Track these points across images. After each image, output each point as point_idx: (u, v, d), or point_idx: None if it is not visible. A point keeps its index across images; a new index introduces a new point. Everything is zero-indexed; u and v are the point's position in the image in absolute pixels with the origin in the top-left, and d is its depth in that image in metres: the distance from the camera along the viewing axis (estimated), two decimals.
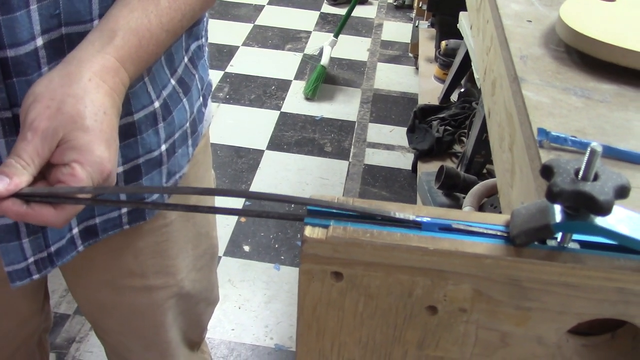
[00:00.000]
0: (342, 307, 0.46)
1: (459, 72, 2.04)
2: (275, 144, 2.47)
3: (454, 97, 2.10)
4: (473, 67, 1.79)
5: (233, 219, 2.07)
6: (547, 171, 0.40)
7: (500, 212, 1.37)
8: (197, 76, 0.75)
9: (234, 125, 2.55)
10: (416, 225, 0.43)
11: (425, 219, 0.43)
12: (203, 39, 0.78)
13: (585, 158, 0.39)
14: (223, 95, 2.73)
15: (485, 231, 0.43)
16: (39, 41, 0.56)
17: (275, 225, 2.08)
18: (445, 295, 0.44)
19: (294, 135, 2.53)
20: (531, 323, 0.44)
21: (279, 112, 2.67)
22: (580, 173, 0.39)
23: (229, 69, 2.93)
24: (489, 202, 1.46)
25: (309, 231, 0.43)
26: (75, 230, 0.68)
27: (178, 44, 0.70)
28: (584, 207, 0.38)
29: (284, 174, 2.31)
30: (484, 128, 1.61)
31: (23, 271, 0.66)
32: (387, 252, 0.42)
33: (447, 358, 0.47)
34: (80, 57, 0.53)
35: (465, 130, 1.87)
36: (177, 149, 0.73)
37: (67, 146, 0.50)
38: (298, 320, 0.47)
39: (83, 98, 0.51)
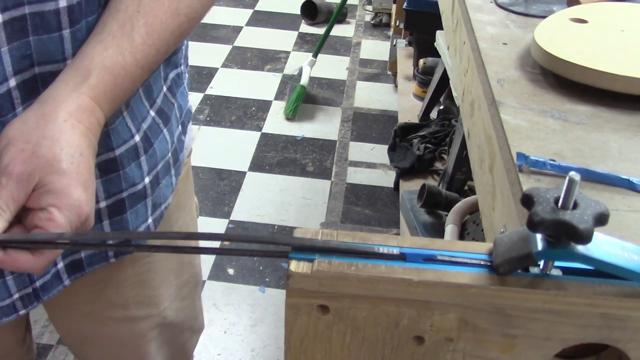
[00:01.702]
0: (329, 340, 0.46)
1: (437, 89, 2.06)
2: (257, 165, 2.47)
3: (434, 114, 2.12)
4: (451, 85, 1.81)
5: (216, 242, 2.06)
6: (527, 200, 0.41)
7: (482, 229, 1.38)
8: (176, 105, 0.75)
9: (215, 147, 2.55)
10: (400, 257, 0.43)
11: (409, 251, 0.43)
12: (182, 67, 0.78)
13: (564, 187, 0.39)
14: (203, 118, 2.73)
15: (468, 261, 0.43)
16: (12, 82, 0.55)
17: (259, 247, 2.07)
18: (431, 325, 0.44)
19: (276, 156, 2.53)
20: (517, 350, 0.45)
21: (260, 133, 2.67)
22: (560, 202, 0.40)
23: (208, 91, 2.93)
24: (471, 219, 1.47)
25: (294, 266, 0.43)
26: (61, 265, 0.68)
27: (156, 74, 0.70)
28: (564, 235, 0.39)
29: (266, 195, 2.31)
30: (463, 145, 1.62)
31: (9, 307, 0.65)
32: (373, 284, 0.42)
33: None
34: (55, 96, 0.53)
35: (446, 148, 1.88)
36: (160, 180, 0.72)
37: (43, 190, 0.49)
38: (286, 354, 0.47)
39: (59, 140, 0.50)
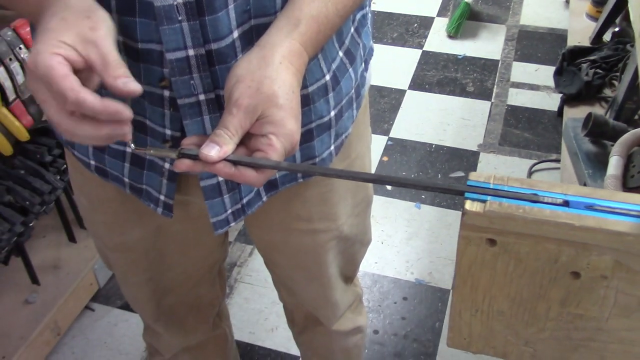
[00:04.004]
0: (494, 267, 0.54)
1: (614, 10, 1.95)
2: (417, 83, 2.51)
3: (607, 37, 2.02)
4: (629, 7, 1.72)
5: (376, 158, 2.17)
6: None
7: None
8: (361, 44, 0.83)
9: (376, 64, 2.56)
10: (564, 203, 0.49)
11: (572, 198, 0.50)
12: (367, 7, 0.85)
13: None
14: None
15: (627, 211, 0.48)
16: (235, 34, 0.66)
17: (416, 165, 2.15)
18: (588, 263, 0.50)
19: (436, 75, 2.55)
20: None
21: (421, 50, 2.69)
22: None
23: (371, 7, 2.96)
24: (638, 151, 1.43)
25: (469, 205, 0.51)
26: None
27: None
28: None
29: (425, 115, 2.36)
30: (637, 73, 1.56)
31: (224, 221, 0.80)
32: (537, 225, 0.49)
33: (586, 316, 0.54)
34: (273, 42, 0.63)
35: (617, 74, 1.80)
36: (344, 113, 0.82)
37: (264, 120, 0.60)
38: (455, 275, 0.56)
39: (276, 79, 0.61)
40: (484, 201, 0.51)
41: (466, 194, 0.51)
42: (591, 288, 0.52)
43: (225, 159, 0.59)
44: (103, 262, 1.05)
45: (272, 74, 0.61)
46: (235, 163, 0.60)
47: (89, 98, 0.55)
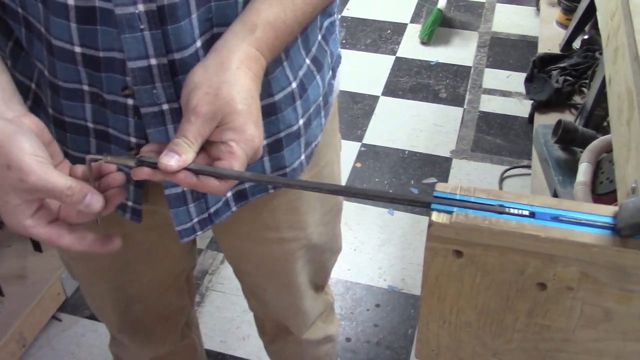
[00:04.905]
0: (461, 279, 0.53)
1: (583, 18, 1.97)
2: (390, 89, 2.52)
3: (577, 44, 2.04)
4: (598, 15, 1.74)
5: (349, 164, 2.16)
6: None
7: None
8: (328, 52, 0.82)
9: (350, 70, 2.61)
10: (529, 215, 0.49)
11: (538, 209, 0.49)
12: (335, 15, 0.84)
13: None
14: (339, 40, 2.78)
15: (593, 222, 0.48)
16: (198, 43, 0.65)
17: (389, 171, 2.15)
18: (554, 275, 0.50)
19: (409, 81, 2.55)
20: (634, 302, 0.50)
21: (394, 57, 2.69)
22: None
23: (345, 13, 2.97)
24: (607, 157, 1.45)
25: (435, 216, 0.50)
26: (229, 194, 0.79)
27: (314, 24, 0.77)
28: None
29: (398, 121, 2.36)
30: (606, 80, 1.57)
31: (189, 229, 0.78)
32: (503, 237, 0.49)
33: (553, 327, 0.53)
34: (229, 47, 0.62)
35: (587, 81, 1.83)
36: (312, 122, 0.81)
37: (225, 127, 0.59)
38: (423, 287, 0.55)
39: (235, 84, 0.59)
40: (450, 212, 0.50)
41: (432, 206, 0.51)
42: (557, 299, 0.52)
43: (187, 168, 0.58)
44: (67, 271, 1.03)
45: (230, 78, 0.60)
46: (197, 173, 0.58)
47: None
